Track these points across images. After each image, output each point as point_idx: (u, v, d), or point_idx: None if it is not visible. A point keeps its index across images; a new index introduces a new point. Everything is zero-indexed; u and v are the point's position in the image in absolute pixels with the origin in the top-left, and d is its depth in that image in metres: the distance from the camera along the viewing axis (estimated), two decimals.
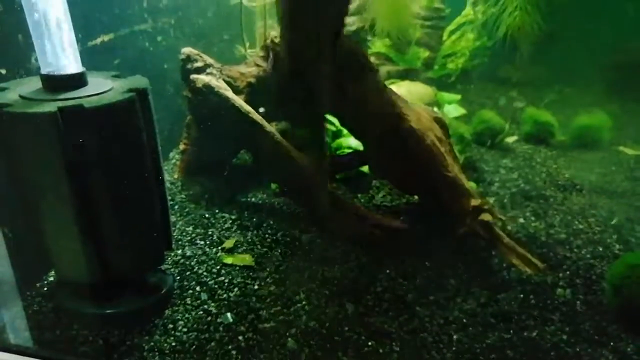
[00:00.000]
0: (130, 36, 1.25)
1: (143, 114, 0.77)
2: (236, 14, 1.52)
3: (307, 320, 0.86)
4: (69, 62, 0.75)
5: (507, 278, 0.98)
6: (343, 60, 0.98)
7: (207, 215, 1.17)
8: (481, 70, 2.18)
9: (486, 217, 0.99)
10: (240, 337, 0.83)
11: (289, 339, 0.82)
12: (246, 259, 1.01)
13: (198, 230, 1.11)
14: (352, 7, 2.12)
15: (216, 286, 0.94)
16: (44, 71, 0.74)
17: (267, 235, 1.10)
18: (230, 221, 1.14)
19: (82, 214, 0.75)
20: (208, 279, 0.96)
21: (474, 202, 1.00)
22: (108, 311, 0.84)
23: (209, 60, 1.19)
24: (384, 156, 1.10)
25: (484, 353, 0.81)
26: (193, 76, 1.15)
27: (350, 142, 1.32)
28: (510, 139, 1.70)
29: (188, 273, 0.98)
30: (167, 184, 1.27)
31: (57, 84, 0.74)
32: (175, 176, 1.34)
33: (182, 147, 1.31)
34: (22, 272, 0.87)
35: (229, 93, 1.12)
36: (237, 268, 0.99)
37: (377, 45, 2.05)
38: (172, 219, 1.13)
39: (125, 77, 0.84)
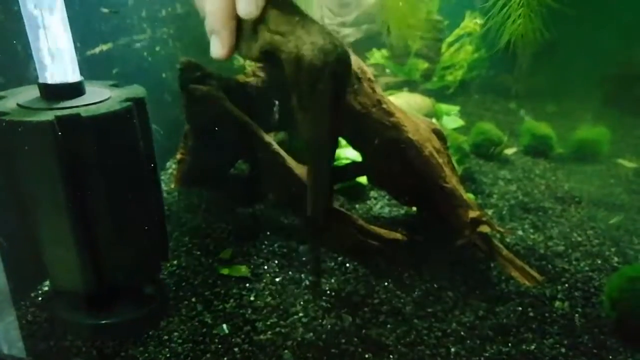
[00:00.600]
0: (129, 46, 1.25)
1: (140, 124, 0.77)
2: None
3: (304, 332, 0.86)
4: (67, 71, 0.75)
5: (506, 290, 0.98)
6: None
7: (203, 226, 1.16)
8: (480, 82, 2.20)
9: (484, 228, 0.99)
10: (236, 349, 0.82)
11: (285, 351, 0.81)
12: (242, 270, 1.01)
13: (194, 241, 1.10)
14: (351, 18, 2.14)
15: (212, 297, 0.94)
16: (41, 80, 0.74)
17: (263, 246, 1.09)
18: (227, 232, 1.14)
19: (78, 223, 0.74)
20: (204, 290, 0.95)
21: (473, 213, 1.00)
22: (103, 321, 0.83)
23: (208, 70, 1.19)
24: (382, 167, 1.09)
25: None
26: (191, 86, 1.15)
27: (348, 152, 1.32)
28: (509, 151, 1.70)
29: (184, 284, 0.97)
30: (164, 194, 1.27)
31: (55, 92, 0.74)
32: (172, 186, 1.33)
33: (179, 157, 1.31)
34: (17, 282, 0.86)
35: (227, 103, 1.12)
36: (233, 279, 0.99)
37: (376, 57, 2.06)
38: (168, 229, 1.13)
39: (123, 86, 0.84)
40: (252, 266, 1.02)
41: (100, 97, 0.76)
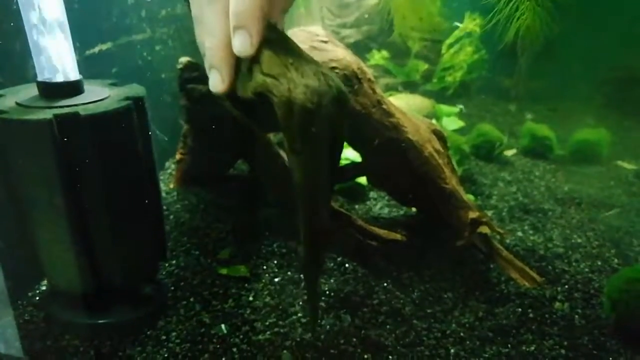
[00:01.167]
0: (129, 45, 1.25)
1: (139, 123, 0.77)
2: None
3: (303, 332, 0.85)
4: (66, 70, 0.75)
5: (505, 291, 0.98)
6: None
7: (202, 226, 1.16)
8: (479, 83, 2.20)
9: (484, 229, 0.99)
10: (235, 349, 0.81)
11: (284, 351, 0.81)
12: (241, 270, 1.00)
13: (193, 241, 1.10)
14: (351, 19, 2.14)
15: (210, 297, 0.93)
16: (40, 78, 0.74)
17: (262, 247, 1.09)
18: (226, 232, 1.14)
19: (76, 222, 0.74)
20: (202, 290, 0.95)
21: (472, 214, 1.00)
22: (100, 321, 0.83)
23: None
24: (382, 168, 1.09)
25: None
26: (191, 86, 1.15)
27: (348, 153, 1.32)
28: (508, 152, 1.70)
29: (182, 284, 0.97)
30: (163, 194, 1.27)
31: (54, 91, 0.74)
32: (171, 186, 1.33)
33: (178, 156, 1.31)
34: (14, 281, 0.86)
35: (227, 103, 1.12)
36: (232, 279, 0.98)
37: (376, 58, 2.06)
38: (167, 228, 1.12)
39: (122, 85, 0.84)
40: (251, 266, 1.02)
41: (99, 96, 0.76)
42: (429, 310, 0.92)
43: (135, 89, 0.82)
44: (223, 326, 0.86)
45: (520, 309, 0.93)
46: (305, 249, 0.66)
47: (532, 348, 0.84)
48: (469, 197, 1.06)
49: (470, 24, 2.00)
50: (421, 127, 1.08)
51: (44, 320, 0.86)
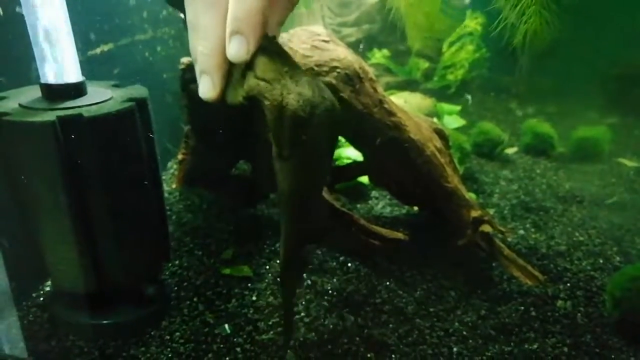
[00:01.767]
0: (130, 46, 1.25)
1: (142, 124, 0.77)
2: None
3: (306, 332, 0.86)
4: (69, 71, 0.75)
5: (508, 290, 0.98)
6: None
7: (204, 226, 1.16)
8: (481, 81, 2.19)
9: (486, 228, 0.99)
10: (238, 349, 0.82)
11: (287, 350, 0.81)
12: (244, 270, 1.01)
13: (196, 241, 1.10)
14: (352, 18, 2.14)
15: (214, 297, 0.94)
16: (43, 80, 0.74)
17: (265, 246, 1.09)
18: (229, 232, 1.14)
19: (80, 223, 0.74)
20: (206, 290, 0.95)
21: (474, 213, 1.00)
22: (104, 322, 0.83)
23: None
24: (384, 167, 1.09)
25: None
26: (192, 86, 1.15)
27: (349, 152, 1.32)
28: (510, 151, 1.70)
29: (185, 284, 0.97)
30: (165, 194, 1.27)
31: (57, 93, 0.74)
32: (173, 186, 1.33)
33: (180, 157, 1.31)
34: (18, 282, 0.86)
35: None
36: (235, 279, 0.99)
37: (377, 56, 2.06)
38: (170, 229, 1.13)
39: (125, 86, 0.84)
40: (254, 266, 1.02)
41: (102, 97, 0.76)
42: (431, 309, 0.92)
43: (138, 90, 0.82)
44: (226, 326, 0.86)
45: (522, 307, 0.93)
46: (284, 258, 0.66)
47: (535, 346, 0.84)
48: (470, 196, 1.06)
49: (472, 22, 2.00)
50: (423, 125, 1.08)
51: (48, 320, 0.87)
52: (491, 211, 1.28)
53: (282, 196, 0.60)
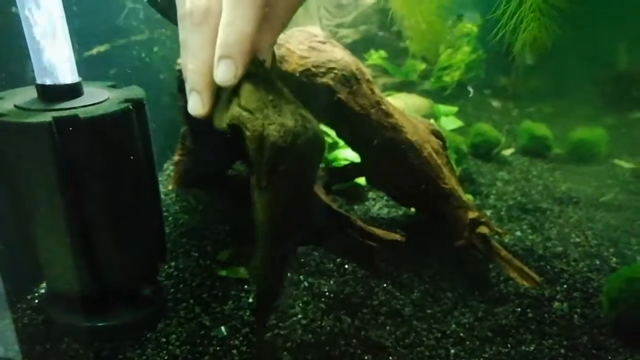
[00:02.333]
0: (127, 46, 1.25)
1: (139, 125, 0.77)
2: None
3: (303, 334, 0.85)
4: (65, 72, 0.74)
5: (504, 291, 0.98)
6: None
7: (200, 227, 1.16)
8: (477, 82, 2.20)
9: (483, 229, 0.99)
10: (234, 351, 0.81)
11: (284, 352, 0.81)
12: (241, 272, 1.00)
13: (192, 242, 1.10)
14: (348, 19, 2.14)
15: (210, 299, 0.93)
16: (39, 81, 0.74)
17: None
18: (225, 233, 1.13)
19: (75, 225, 0.74)
20: (202, 292, 0.95)
21: (472, 214, 1.00)
22: (100, 324, 0.82)
23: None
24: (381, 168, 1.09)
25: None
26: None
27: (347, 153, 1.32)
28: (506, 152, 1.70)
29: (182, 285, 0.96)
30: (161, 195, 1.26)
31: (53, 93, 0.74)
32: (170, 187, 1.33)
33: (176, 158, 1.30)
34: (13, 284, 0.86)
35: None
36: (232, 281, 0.98)
37: (373, 57, 2.06)
38: (166, 230, 1.12)
39: (122, 87, 0.83)
40: (249, 268, 1.02)
41: (99, 98, 0.75)
42: (428, 311, 0.92)
43: (135, 91, 0.81)
44: (223, 328, 0.86)
45: (519, 309, 0.93)
46: (258, 282, 0.66)
47: (532, 348, 0.84)
48: (467, 197, 1.06)
49: (468, 23, 2.00)
50: (420, 127, 1.08)
51: (43, 323, 0.86)
52: (488, 212, 1.28)
53: (258, 225, 0.60)
